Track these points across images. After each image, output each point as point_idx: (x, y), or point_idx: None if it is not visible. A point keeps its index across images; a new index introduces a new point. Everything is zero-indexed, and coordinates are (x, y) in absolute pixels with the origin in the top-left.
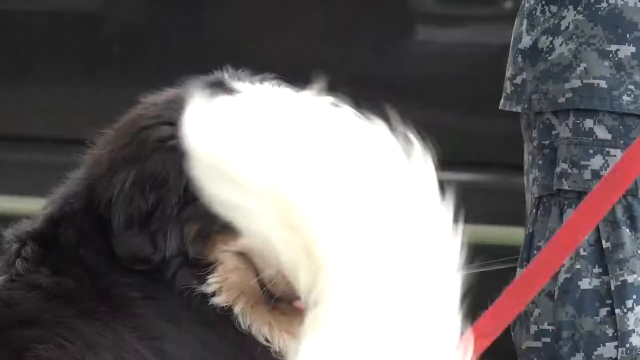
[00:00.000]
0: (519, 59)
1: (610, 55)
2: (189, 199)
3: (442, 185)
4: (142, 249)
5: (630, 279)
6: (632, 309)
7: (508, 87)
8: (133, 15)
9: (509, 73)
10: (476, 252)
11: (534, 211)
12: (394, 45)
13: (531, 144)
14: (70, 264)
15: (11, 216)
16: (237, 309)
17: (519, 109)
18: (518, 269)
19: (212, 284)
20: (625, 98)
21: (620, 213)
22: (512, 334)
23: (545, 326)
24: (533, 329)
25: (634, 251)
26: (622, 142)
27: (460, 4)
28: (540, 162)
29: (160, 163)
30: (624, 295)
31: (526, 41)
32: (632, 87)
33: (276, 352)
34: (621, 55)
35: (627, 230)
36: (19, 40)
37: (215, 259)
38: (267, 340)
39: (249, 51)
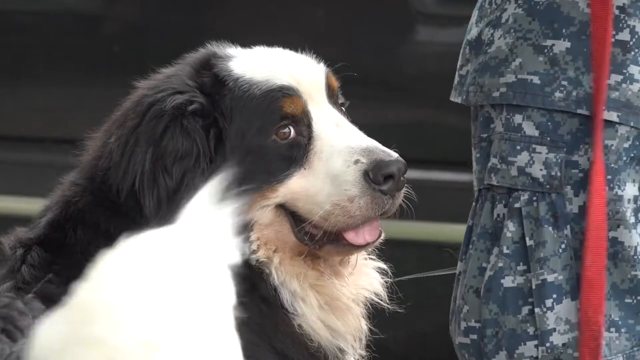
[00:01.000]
0: (467, 49)
1: (545, 50)
2: (219, 160)
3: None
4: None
5: (550, 277)
6: (551, 308)
7: (456, 77)
8: (133, 15)
9: (458, 64)
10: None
11: (474, 204)
12: (394, 44)
13: (474, 136)
14: (81, 268)
15: (11, 216)
16: (272, 263)
17: (459, 100)
18: (459, 262)
19: (253, 240)
20: (557, 94)
21: (543, 210)
22: (450, 327)
23: (473, 323)
24: (462, 325)
25: (554, 250)
26: (548, 138)
27: (461, 4)
28: (478, 155)
29: (179, 132)
30: (544, 294)
31: (473, 32)
32: (565, 82)
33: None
34: (556, 50)
35: (550, 228)
36: (19, 40)
37: (251, 217)
38: (293, 294)
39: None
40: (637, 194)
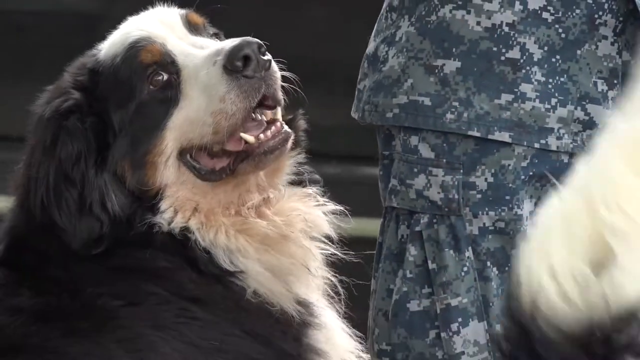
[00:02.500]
0: (365, 64)
1: (436, 71)
2: (106, 145)
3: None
4: (90, 229)
5: (454, 301)
6: (457, 332)
7: (356, 90)
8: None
9: (358, 77)
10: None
11: (382, 220)
12: None
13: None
14: (48, 283)
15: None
16: (193, 225)
17: (356, 116)
18: (372, 279)
19: (166, 209)
20: (449, 115)
21: (443, 234)
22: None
23: (384, 346)
24: (375, 347)
25: (457, 273)
26: (444, 160)
27: None
28: (381, 173)
29: (65, 135)
30: (449, 319)
31: (371, 47)
32: (456, 103)
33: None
34: (446, 70)
35: (451, 251)
36: (19, 40)
37: (159, 182)
38: (226, 249)
39: None
40: (532, 209)
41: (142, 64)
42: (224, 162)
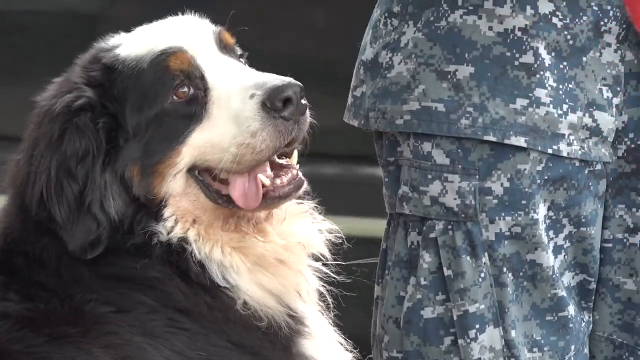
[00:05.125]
0: (361, 70)
1: (449, 76)
2: (115, 146)
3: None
4: (88, 229)
5: (472, 308)
6: (475, 339)
7: (350, 97)
8: (133, 15)
9: (352, 83)
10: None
11: (387, 227)
12: None
13: (380, 157)
14: (37, 288)
15: None
16: (191, 236)
17: (355, 123)
18: (375, 285)
19: (168, 217)
20: (463, 121)
21: (460, 240)
22: (373, 353)
23: (395, 353)
24: (384, 354)
25: (474, 279)
26: (460, 166)
27: None
28: (387, 179)
29: (74, 132)
30: (466, 325)
31: (368, 53)
32: (470, 109)
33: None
34: (459, 75)
35: (467, 257)
36: (19, 40)
37: (165, 192)
38: (220, 264)
39: (248, 50)
40: (546, 213)
41: (170, 72)
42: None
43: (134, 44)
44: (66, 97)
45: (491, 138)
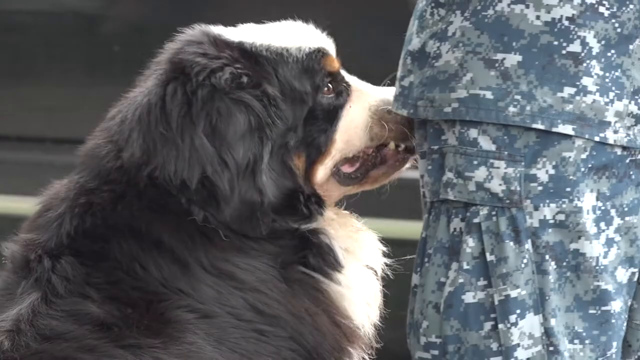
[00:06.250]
0: (408, 60)
1: (496, 65)
2: (280, 126)
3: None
4: (249, 197)
5: (514, 293)
6: (515, 324)
7: (397, 87)
8: (133, 15)
9: (398, 74)
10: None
11: (426, 215)
12: (393, 44)
13: (421, 146)
14: (125, 285)
15: (11, 216)
16: (326, 222)
17: (404, 112)
18: (413, 274)
19: (317, 204)
20: (511, 109)
21: (503, 226)
22: (408, 340)
23: (433, 338)
24: (422, 340)
25: (517, 265)
26: (506, 152)
27: None
28: (430, 167)
29: (237, 108)
30: (507, 310)
31: (415, 43)
32: (518, 97)
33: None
34: (507, 64)
35: (511, 243)
36: (19, 40)
37: (315, 181)
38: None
39: None
40: (595, 203)
41: (325, 70)
42: (355, 167)
43: (266, 36)
44: (225, 72)
45: (539, 126)
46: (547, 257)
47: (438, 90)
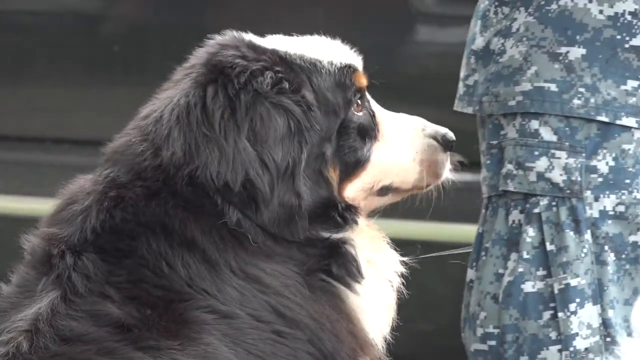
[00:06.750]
0: (472, 59)
1: (560, 58)
2: (317, 132)
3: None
4: (287, 200)
5: (574, 282)
6: (575, 312)
7: (461, 87)
8: (133, 15)
9: (462, 74)
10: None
11: (483, 211)
12: (393, 44)
13: (482, 143)
14: (146, 284)
15: (11, 216)
16: (354, 236)
17: (470, 110)
18: (468, 269)
19: (349, 215)
20: (576, 101)
21: (564, 215)
22: (462, 335)
23: (491, 329)
24: (479, 331)
25: (577, 254)
26: (567, 143)
27: (460, 4)
28: (488, 162)
29: (279, 112)
30: (567, 299)
31: (479, 42)
32: (582, 89)
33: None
34: (571, 57)
35: (571, 232)
36: (19, 40)
37: (347, 195)
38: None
39: None
40: None
41: (354, 86)
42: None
43: (297, 47)
44: (266, 76)
45: (603, 118)
46: (606, 247)
47: (502, 85)
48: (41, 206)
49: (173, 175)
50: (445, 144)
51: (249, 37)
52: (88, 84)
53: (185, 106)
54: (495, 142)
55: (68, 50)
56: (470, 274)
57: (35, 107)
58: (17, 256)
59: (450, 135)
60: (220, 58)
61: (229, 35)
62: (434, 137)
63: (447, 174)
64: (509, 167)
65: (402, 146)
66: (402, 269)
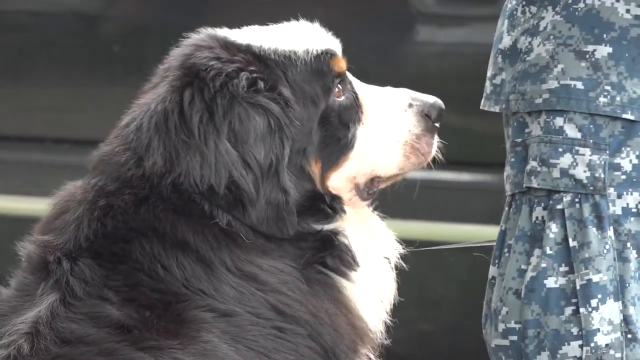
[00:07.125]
0: (499, 59)
1: (587, 56)
2: (296, 127)
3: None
4: (274, 198)
5: (596, 277)
6: (596, 308)
7: (488, 86)
8: (133, 15)
9: (489, 73)
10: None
11: (507, 208)
12: (394, 44)
13: (507, 141)
14: (143, 288)
15: (11, 216)
16: (345, 225)
17: (497, 108)
18: (490, 266)
19: (335, 206)
20: (602, 99)
21: (587, 212)
22: (483, 331)
23: (512, 324)
24: (501, 327)
25: (599, 250)
26: (591, 140)
27: (460, 4)
28: (513, 160)
29: (256, 111)
30: (589, 294)
31: (506, 41)
32: (608, 87)
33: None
34: (598, 55)
35: (594, 229)
36: (19, 40)
37: (332, 186)
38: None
39: None
40: None
41: (333, 73)
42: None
43: (273, 39)
44: (242, 76)
45: (629, 116)
46: (628, 244)
47: (529, 83)
48: (41, 206)
49: (157, 184)
50: (435, 115)
51: (224, 33)
52: (88, 84)
53: (163, 113)
54: (519, 139)
55: (68, 50)
56: (493, 271)
57: (35, 107)
58: (17, 256)
59: (439, 103)
60: (194, 60)
61: (204, 34)
62: (421, 112)
63: (435, 151)
64: (533, 164)
65: (386, 129)
66: (399, 247)
